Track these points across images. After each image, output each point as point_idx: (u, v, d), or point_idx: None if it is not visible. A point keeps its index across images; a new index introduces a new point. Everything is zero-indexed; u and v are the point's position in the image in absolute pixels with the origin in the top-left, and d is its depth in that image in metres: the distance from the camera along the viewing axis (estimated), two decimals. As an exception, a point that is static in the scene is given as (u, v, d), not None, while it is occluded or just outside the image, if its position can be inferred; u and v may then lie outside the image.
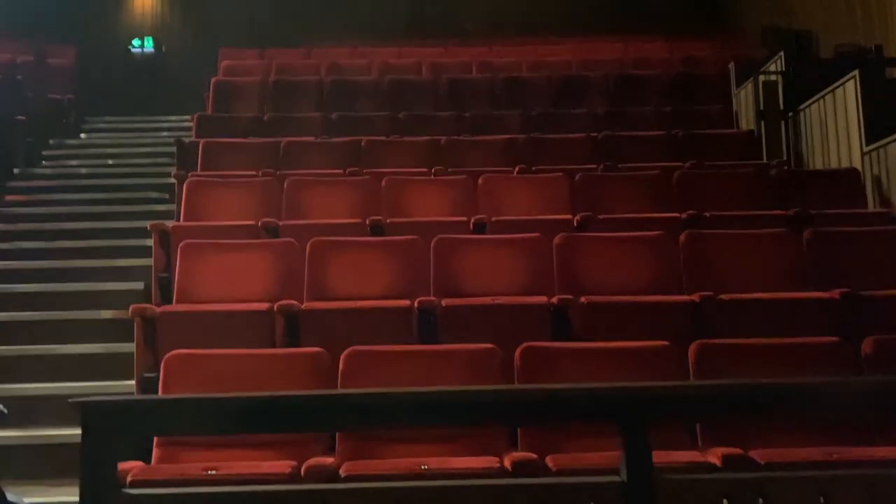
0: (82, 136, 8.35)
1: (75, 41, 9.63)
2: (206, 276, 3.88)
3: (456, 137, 6.14)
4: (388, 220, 4.50)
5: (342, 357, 2.95)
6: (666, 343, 3.04)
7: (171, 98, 9.32)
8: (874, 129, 5.02)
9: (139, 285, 4.67)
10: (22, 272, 4.99)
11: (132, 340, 3.54)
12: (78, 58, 9.28)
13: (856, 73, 5.16)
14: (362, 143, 5.94)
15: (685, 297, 3.62)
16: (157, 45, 11.11)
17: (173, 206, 5.46)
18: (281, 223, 4.49)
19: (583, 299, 3.50)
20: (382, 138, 6.13)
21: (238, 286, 3.82)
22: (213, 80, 7.53)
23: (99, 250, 5.31)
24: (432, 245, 4.00)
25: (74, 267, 5.05)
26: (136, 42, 11.20)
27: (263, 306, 3.55)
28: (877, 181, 5.00)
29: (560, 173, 5.13)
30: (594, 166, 5.43)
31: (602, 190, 5.03)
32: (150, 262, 4.56)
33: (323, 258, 3.96)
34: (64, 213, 6.04)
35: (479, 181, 5.05)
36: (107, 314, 4.36)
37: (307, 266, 3.94)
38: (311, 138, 6.16)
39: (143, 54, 11.13)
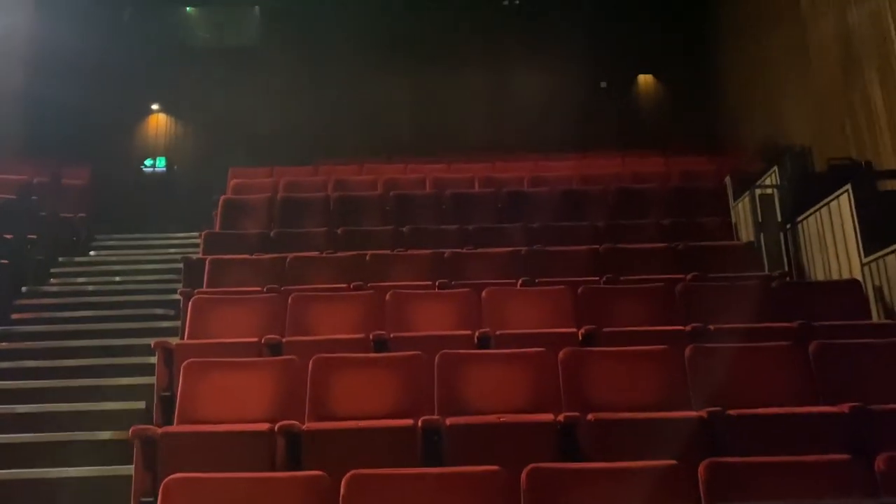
0: (92, 253, 8.49)
1: (91, 161, 9.99)
2: (209, 395, 3.84)
3: (459, 250, 6.22)
4: (391, 335, 4.50)
5: (343, 481, 2.87)
6: (675, 462, 2.96)
7: (182, 215, 9.56)
8: (871, 240, 5.09)
9: (141, 404, 4.61)
10: (22, 392, 4.94)
11: (132, 462, 3.47)
12: (92, 177, 9.58)
13: (849, 186, 5.29)
14: (367, 258, 6.02)
15: (693, 413, 3.56)
16: (169, 164, 11.50)
17: (178, 323, 5.48)
18: (284, 340, 4.49)
19: (590, 416, 3.45)
20: (387, 252, 6.22)
21: (240, 405, 3.78)
22: (221, 198, 7.73)
23: (102, 368, 5.29)
24: (436, 361, 3.98)
25: (75, 386, 5.00)
26: (148, 161, 11.62)
27: (264, 427, 3.49)
28: (878, 292, 5.02)
29: (563, 286, 5.15)
30: (597, 278, 5.47)
31: (605, 302, 5.04)
32: (153, 380, 4.53)
33: (325, 376, 3.93)
34: (68, 331, 6.05)
35: (483, 294, 5.07)
36: (105, 435, 4.29)
37: (309, 384, 3.90)
38: (317, 253, 6.25)
39: (154, 173, 11.51)
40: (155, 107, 11.92)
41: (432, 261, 5.99)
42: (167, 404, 4.22)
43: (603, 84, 12.14)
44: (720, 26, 11.56)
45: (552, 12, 12.16)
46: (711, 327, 4.44)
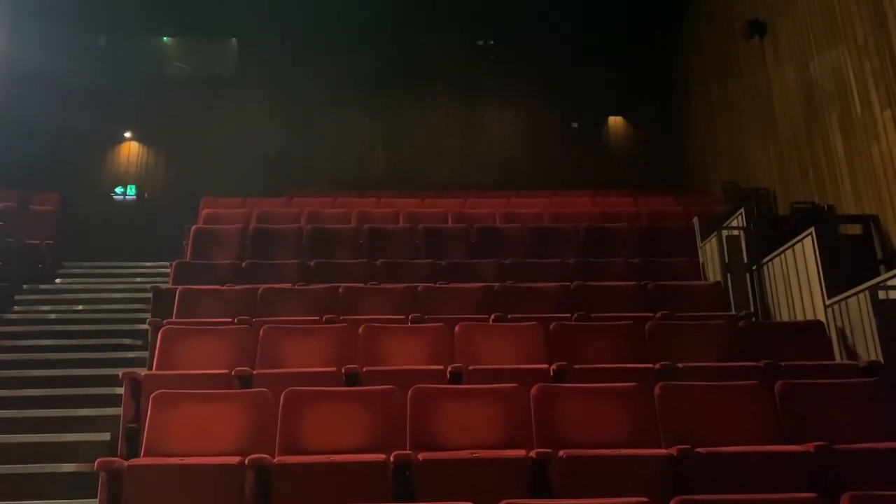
0: (57, 280, 8.35)
1: (60, 187, 9.87)
2: (177, 427, 3.78)
3: (432, 285, 6.24)
4: (364, 369, 4.49)
5: (315, 516, 2.86)
6: (645, 499, 2.99)
7: (152, 244, 9.45)
8: (834, 283, 5.24)
9: (105, 436, 4.51)
10: (-18, 422, 4.82)
11: (95, 496, 3.39)
12: (61, 203, 9.44)
13: (812, 230, 5.45)
14: (340, 290, 6.01)
15: (663, 451, 3.60)
16: (139, 192, 11.40)
17: (145, 354, 5.40)
18: (255, 372, 4.45)
19: (562, 453, 3.46)
20: (360, 285, 6.21)
21: (209, 438, 3.73)
22: (193, 227, 7.68)
23: (65, 399, 5.16)
24: (409, 395, 3.98)
25: (36, 416, 4.88)
26: (118, 189, 11.50)
27: (234, 460, 3.45)
28: (841, 333, 5.14)
29: (535, 322, 5.18)
30: (568, 315, 5.52)
31: (577, 339, 5.08)
32: (118, 411, 4.44)
33: (296, 409, 3.90)
34: (31, 360, 5.91)
35: (456, 329, 5.09)
36: (69, 467, 4.18)
37: (280, 417, 3.87)
38: (289, 285, 6.22)
39: (125, 201, 11.40)
40: (127, 134, 11.84)
41: (405, 295, 5.99)
42: (133, 436, 4.14)
43: (574, 124, 12.38)
44: (688, 72, 11.90)
45: (525, 54, 12.43)
46: (680, 365, 4.50)
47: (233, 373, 4.38)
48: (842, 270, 5.28)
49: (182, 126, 11.75)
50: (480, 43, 12.58)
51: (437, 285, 6.25)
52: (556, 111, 12.32)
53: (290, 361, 4.79)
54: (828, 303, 5.27)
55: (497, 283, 6.23)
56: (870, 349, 4.80)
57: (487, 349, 4.94)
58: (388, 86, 12.18)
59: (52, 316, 7.15)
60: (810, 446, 3.52)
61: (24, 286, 7.75)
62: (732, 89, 9.98)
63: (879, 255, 6.00)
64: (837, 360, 5.06)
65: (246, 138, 11.71)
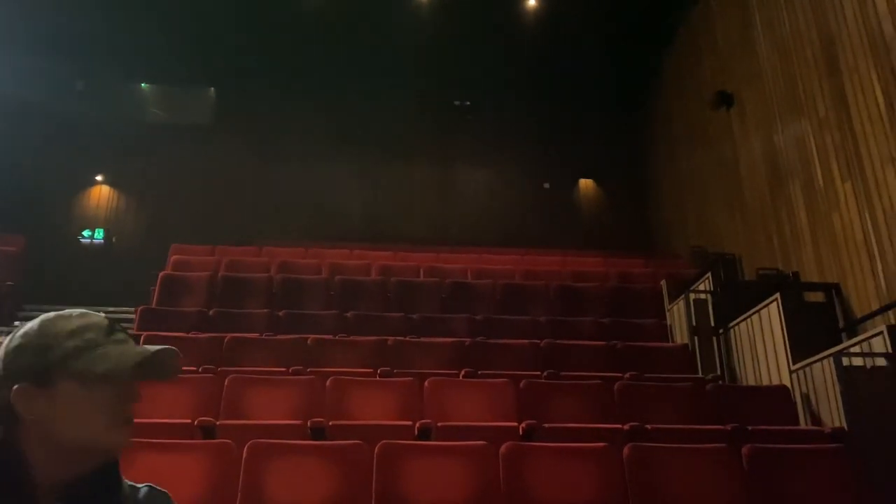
0: (16, 323, 8.12)
1: (27, 228, 9.72)
2: (135, 478, 3.65)
3: (403, 339, 6.19)
4: (330, 423, 4.41)
5: (277, 574, 2.76)
6: (615, 563, 2.95)
7: (118, 290, 9.30)
8: (798, 348, 5.32)
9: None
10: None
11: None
12: (27, 245, 9.28)
13: (777, 296, 5.56)
14: (308, 342, 5.93)
15: (632, 513, 3.57)
16: (107, 236, 11.25)
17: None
18: (218, 423, 4.34)
19: (529, 513, 3.42)
20: (329, 337, 6.14)
21: (169, 490, 3.60)
22: (161, 273, 7.58)
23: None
24: (376, 451, 3.91)
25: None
26: (86, 232, 11.35)
27: (194, 514, 3.34)
28: (805, 398, 5.20)
29: (505, 379, 5.17)
30: (538, 373, 5.52)
31: (546, 397, 5.07)
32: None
33: (260, 462, 3.80)
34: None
35: (426, 384, 5.04)
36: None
37: (243, 470, 3.76)
38: (256, 335, 6.13)
39: (92, 244, 11.23)
40: (99, 178, 11.76)
41: (375, 348, 5.94)
42: (88, 487, 3.98)
43: (546, 185, 12.61)
44: (659, 139, 12.24)
45: (500, 116, 12.71)
46: (649, 427, 4.50)
47: (195, 423, 4.27)
48: (806, 336, 5.38)
49: (156, 172, 11.72)
50: (457, 103, 12.84)
51: (407, 339, 6.20)
52: (529, 171, 12.55)
53: (255, 413, 4.69)
54: (793, 368, 5.34)
55: (468, 339, 6.22)
56: (833, 415, 4.86)
57: (457, 405, 4.90)
58: (366, 140, 12.32)
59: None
60: (777, 512, 3.52)
61: (-19, 328, 7.56)
62: (700, 157, 10.27)
63: (841, 324, 6.11)
64: (802, 424, 5.11)
65: (219, 187, 11.71)
